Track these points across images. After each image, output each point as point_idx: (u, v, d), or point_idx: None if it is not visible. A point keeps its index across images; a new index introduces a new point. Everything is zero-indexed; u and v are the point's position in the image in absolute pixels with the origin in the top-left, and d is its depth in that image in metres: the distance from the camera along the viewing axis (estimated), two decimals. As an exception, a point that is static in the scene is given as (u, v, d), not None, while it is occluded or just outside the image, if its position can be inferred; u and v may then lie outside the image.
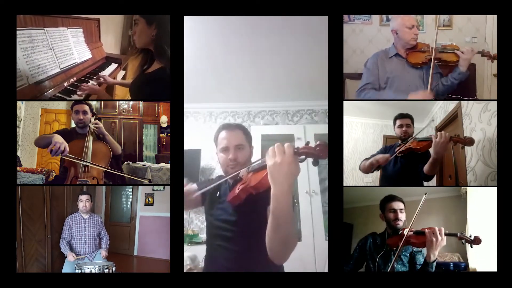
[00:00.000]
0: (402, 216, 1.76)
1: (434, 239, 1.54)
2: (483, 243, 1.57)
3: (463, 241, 1.60)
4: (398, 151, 2.02)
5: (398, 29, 1.95)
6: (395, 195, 1.80)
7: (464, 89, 1.97)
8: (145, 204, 3.35)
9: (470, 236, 1.58)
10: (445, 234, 1.58)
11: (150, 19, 1.71)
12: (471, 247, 1.58)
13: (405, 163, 2.04)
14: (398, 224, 1.74)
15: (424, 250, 1.63)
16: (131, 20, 1.77)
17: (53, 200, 2.37)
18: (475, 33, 2.38)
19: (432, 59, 1.87)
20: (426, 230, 1.59)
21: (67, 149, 1.88)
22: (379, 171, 2.18)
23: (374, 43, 2.41)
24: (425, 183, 1.99)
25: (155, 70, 1.73)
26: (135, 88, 1.83)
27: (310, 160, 1.16)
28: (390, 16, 2.21)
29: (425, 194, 1.68)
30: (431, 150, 1.84)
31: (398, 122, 2.13)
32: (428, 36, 2.29)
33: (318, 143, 1.13)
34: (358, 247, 1.82)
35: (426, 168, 1.87)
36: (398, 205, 1.77)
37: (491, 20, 2.31)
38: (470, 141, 1.80)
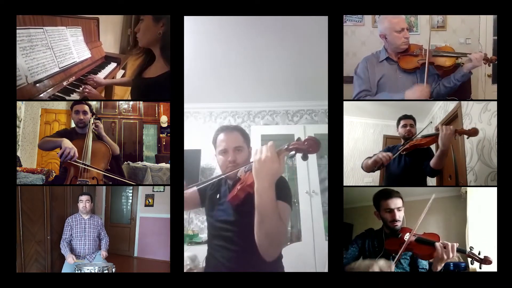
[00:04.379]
0: (400, 215, 1.65)
1: (445, 257, 1.47)
2: (483, 243, 1.56)
3: (471, 260, 1.51)
4: (402, 149, 2.02)
5: (386, 33, 1.88)
6: (392, 190, 1.69)
7: (459, 90, 1.96)
8: (145, 205, 3.35)
9: (479, 254, 1.49)
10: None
11: (158, 16, 1.65)
12: (480, 267, 1.49)
13: (410, 161, 2.03)
14: (396, 225, 1.64)
15: None
16: (131, 19, 1.76)
17: (53, 201, 2.37)
18: (469, 34, 2.37)
19: (427, 63, 1.83)
20: (437, 244, 1.48)
21: (76, 154, 1.90)
22: (382, 170, 2.17)
23: (367, 45, 2.37)
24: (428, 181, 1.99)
25: (161, 74, 1.68)
26: (137, 94, 1.79)
27: (313, 158, 1.18)
28: (377, 19, 2.19)
29: (433, 195, 1.60)
30: (438, 143, 1.84)
31: (402, 122, 2.14)
32: (422, 37, 2.28)
33: (307, 137, 1.16)
34: (358, 244, 1.73)
35: (433, 162, 1.87)
36: (395, 203, 1.65)
37: (485, 22, 2.31)
38: (474, 132, 1.82)
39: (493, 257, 1.65)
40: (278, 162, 1.17)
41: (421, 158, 1.97)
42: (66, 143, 1.91)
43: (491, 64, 1.95)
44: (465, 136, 1.92)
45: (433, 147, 2.04)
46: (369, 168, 2.05)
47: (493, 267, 1.59)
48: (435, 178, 2.20)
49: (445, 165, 2.00)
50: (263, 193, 1.18)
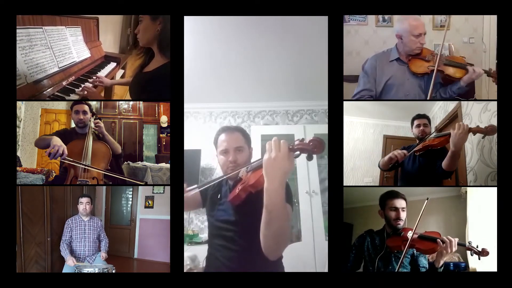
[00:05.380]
0: (403, 215, 1.71)
1: (448, 250, 1.51)
2: (483, 243, 1.56)
3: (471, 252, 1.56)
4: (416, 149, 1.99)
5: (403, 35, 1.86)
6: (398, 191, 1.74)
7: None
8: (145, 207, 3.35)
9: (477, 247, 1.55)
10: None
11: (155, 15, 1.70)
12: (479, 259, 1.55)
13: (423, 161, 2.00)
14: (399, 224, 1.69)
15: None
16: (130, 19, 1.77)
17: (53, 203, 2.36)
18: (472, 33, 2.36)
19: (434, 73, 1.81)
20: (439, 240, 1.54)
21: (66, 152, 1.85)
22: (383, 173, 2.16)
23: (370, 45, 2.37)
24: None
25: (158, 67, 1.72)
26: (136, 88, 1.81)
27: (314, 158, 1.17)
28: (396, 18, 2.17)
29: (427, 199, 1.63)
30: (449, 144, 1.76)
31: (416, 122, 2.11)
32: (425, 37, 2.27)
33: (311, 138, 1.15)
34: (355, 247, 1.76)
35: (445, 163, 1.79)
36: (400, 203, 1.71)
37: (488, 21, 2.31)
38: (492, 130, 1.67)
39: (493, 257, 1.66)
40: (290, 160, 1.14)
41: (435, 159, 1.92)
42: (55, 140, 1.86)
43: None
44: (481, 135, 1.76)
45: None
46: (385, 165, 2.04)
47: (490, 258, 1.61)
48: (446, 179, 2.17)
49: (457, 167, 1.91)
50: (273, 193, 1.15)
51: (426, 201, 1.64)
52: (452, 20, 2.38)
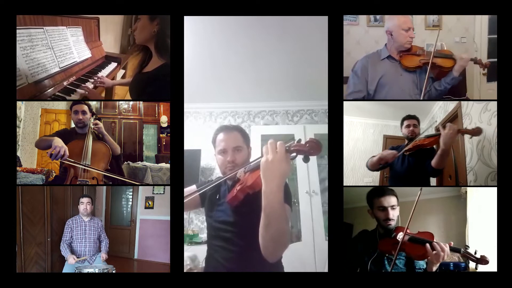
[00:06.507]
0: (394, 214, 1.60)
1: (440, 260, 1.42)
2: (483, 243, 1.56)
3: (466, 260, 1.44)
4: (406, 149, 2.02)
5: (393, 30, 1.90)
6: (386, 188, 1.66)
7: (454, 89, 1.97)
8: (145, 208, 3.35)
9: (475, 253, 1.42)
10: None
11: (153, 15, 1.71)
12: (476, 268, 1.43)
13: (413, 161, 2.03)
14: (390, 224, 1.60)
15: None
16: (131, 19, 1.77)
17: (53, 203, 2.36)
18: (464, 33, 2.37)
19: (429, 65, 1.85)
20: (428, 246, 1.42)
21: (67, 153, 1.86)
22: (383, 171, 2.16)
23: (362, 45, 2.36)
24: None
25: (156, 68, 1.72)
26: (136, 89, 1.82)
27: (313, 158, 1.17)
28: (386, 16, 2.19)
29: (420, 189, 1.53)
30: (439, 143, 1.81)
31: (405, 123, 2.15)
32: (417, 37, 2.26)
33: (308, 139, 1.14)
34: (350, 249, 1.70)
35: (434, 161, 1.84)
36: (388, 201, 1.60)
37: (480, 21, 2.32)
38: (478, 131, 1.79)
39: (493, 257, 1.65)
40: (287, 162, 1.13)
41: (424, 158, 1.96)
42: (57, 141, 1.87)
43: (485, 69, 1.97)
44: (468, 136, 1.88)
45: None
46: (374, 166, 2.05)
47: (489, 267, 1.56)
48: (435, 178, 2.19)
49: (446, 165, 1.98)
50: (270, 196, 1.14)
51: (420, 191, 1.53)
52: (444, 20, 2.39)
